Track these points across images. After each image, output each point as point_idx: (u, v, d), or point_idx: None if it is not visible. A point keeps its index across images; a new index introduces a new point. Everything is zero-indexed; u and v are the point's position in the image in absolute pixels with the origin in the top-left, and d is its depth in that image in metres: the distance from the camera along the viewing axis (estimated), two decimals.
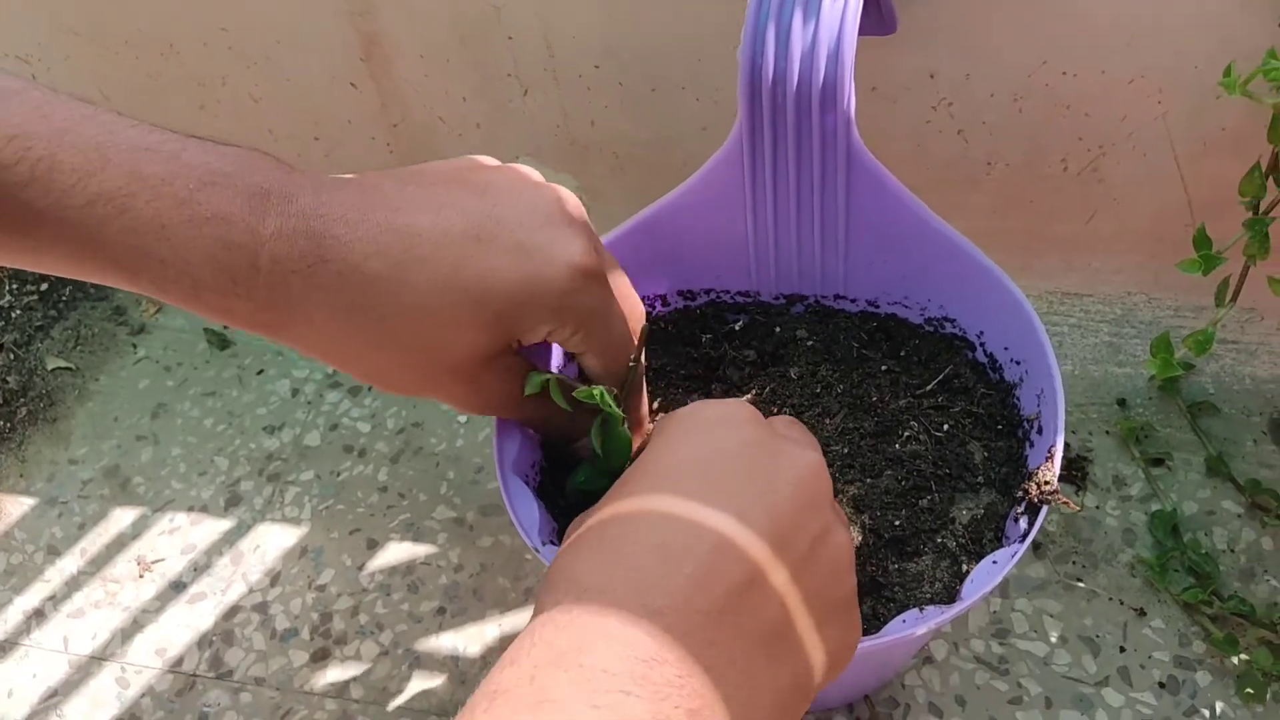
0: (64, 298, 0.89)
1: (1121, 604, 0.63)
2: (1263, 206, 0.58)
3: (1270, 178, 0.58)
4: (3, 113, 0.36)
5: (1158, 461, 0.69)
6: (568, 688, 0.29)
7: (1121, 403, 0.72)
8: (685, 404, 0.56)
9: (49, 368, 0.85)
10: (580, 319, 0.44)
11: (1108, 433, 0.71)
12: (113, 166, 0.37)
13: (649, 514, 0.34)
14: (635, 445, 0.48)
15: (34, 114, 0.37)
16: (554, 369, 0.52)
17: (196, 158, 0.38)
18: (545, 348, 0.53)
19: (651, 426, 0.50)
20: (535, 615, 0.33)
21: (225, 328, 0.85)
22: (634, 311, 0.48)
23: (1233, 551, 0.65)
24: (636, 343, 0.46)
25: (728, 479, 0.35)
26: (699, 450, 0.37)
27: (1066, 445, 0.70)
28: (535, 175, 0.46)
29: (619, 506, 0.35)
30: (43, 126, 0.37)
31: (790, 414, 0.54)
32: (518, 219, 0.43)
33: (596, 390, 0.44)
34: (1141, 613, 0.63)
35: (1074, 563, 0.65)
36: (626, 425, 0.47)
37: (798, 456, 0.37)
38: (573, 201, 0.46)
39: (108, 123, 0.38)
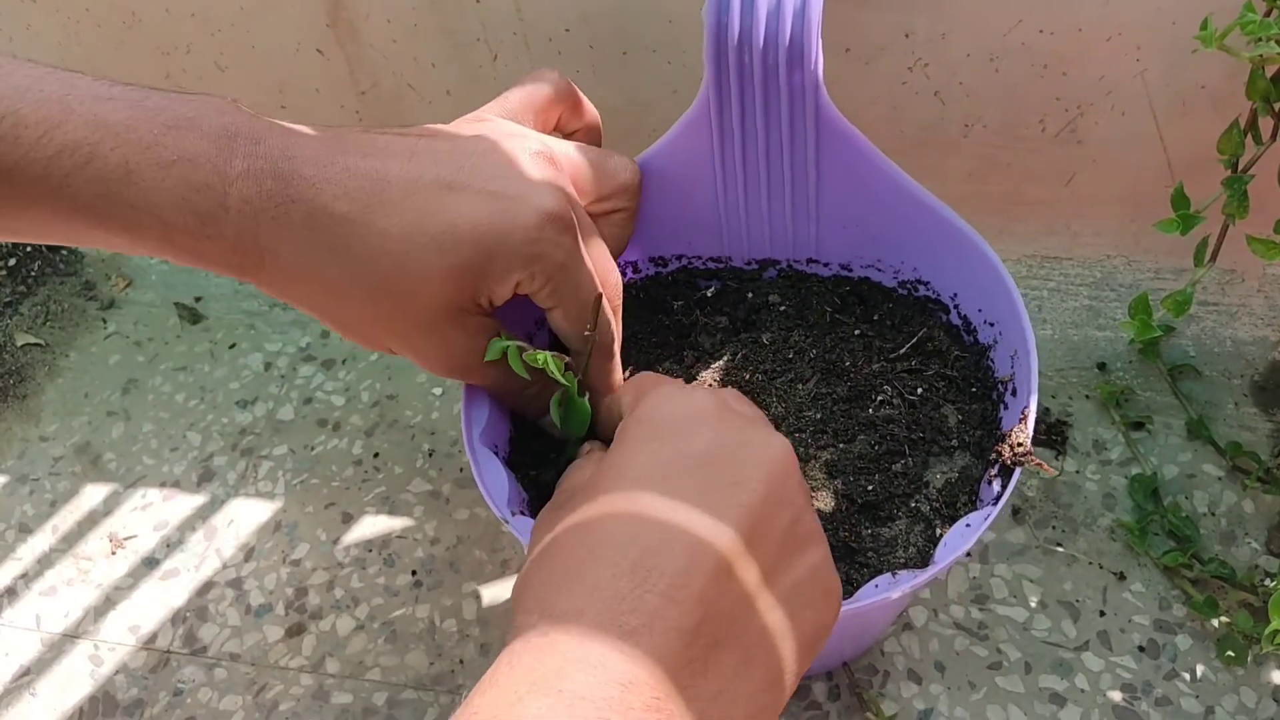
0: (33, 273, 0.88)
1: (1101, 568, 0.63)
2: (1241, 164, 0.58)
3: (1249, 135, 0.57)
4: None
5: (1138, 425, 0.69)
6: (547, 715, 0.29)
7: (1101, 367, 0.72)
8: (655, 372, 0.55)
9: (18, 344, 0.84)
10: (549, 270, 0.43)
11: (1088, 397, 0.70)
12: (76, 117, 0.38)
13: (617, 532, 0.34)
14: (603, 408, 0.47)
15: None
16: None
17: (159, 104, 0.39)
18: (520, 316, 0.52)
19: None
20: (512, 635, 0.32)
21: (197, 300, 0.84)
22: (608, 280, 0.47)
23: (1213, 515, 0.65)
24: (591, 313, 0.45)
25: (695, 485, 0.35)
26: (663, 456, 0.36)
27: (1046, 410, 0.70)
28: (521, 129, 0.46)
29: (587, 523, 0.35)
30: (4, 86, 0.37)
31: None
32: (493, 168, 0.42)
33: (541, 355, 0.44)
34: (1121, 577, 0.63)
35: (1054, 527, 0.65)
36: (587, 396, 0.47)
37: (765, 448, 0.36)
38: (561, 154, 0.46)
39: (68, 78, 0.38)
